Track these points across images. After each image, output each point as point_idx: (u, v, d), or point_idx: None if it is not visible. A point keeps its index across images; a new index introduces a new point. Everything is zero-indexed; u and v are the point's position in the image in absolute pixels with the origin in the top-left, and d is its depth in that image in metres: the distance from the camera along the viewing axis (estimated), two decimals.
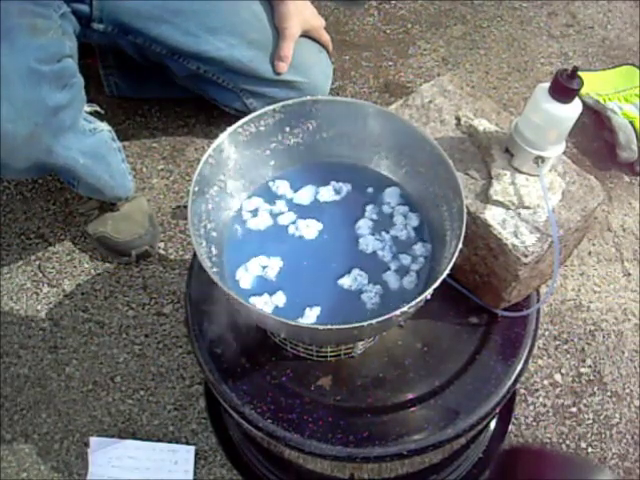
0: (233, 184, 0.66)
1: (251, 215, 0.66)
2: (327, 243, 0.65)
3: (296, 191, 0.68)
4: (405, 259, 0.64)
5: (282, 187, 0.68)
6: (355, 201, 0.67)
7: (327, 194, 0.68)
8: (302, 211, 0.67)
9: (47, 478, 0.90)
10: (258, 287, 0.62)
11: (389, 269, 0.63)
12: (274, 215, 0.66)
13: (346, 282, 0.62)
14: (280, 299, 0.61)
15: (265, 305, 0.61)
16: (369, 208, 0.67)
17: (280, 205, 0.67)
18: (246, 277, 0.62)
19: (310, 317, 0.60)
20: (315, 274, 0.63)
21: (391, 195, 0.67)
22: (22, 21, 0.77)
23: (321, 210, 0.67)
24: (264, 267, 0.63)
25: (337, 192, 0.68)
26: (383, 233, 0.65)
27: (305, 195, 0.67)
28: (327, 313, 0.60)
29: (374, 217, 0.66)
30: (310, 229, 0.65)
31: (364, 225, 0.65)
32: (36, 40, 0.78)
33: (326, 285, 0.62)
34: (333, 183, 0.68)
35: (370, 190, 0.68)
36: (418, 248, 0.64)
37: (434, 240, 0.65)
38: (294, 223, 0.66)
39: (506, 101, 1.31)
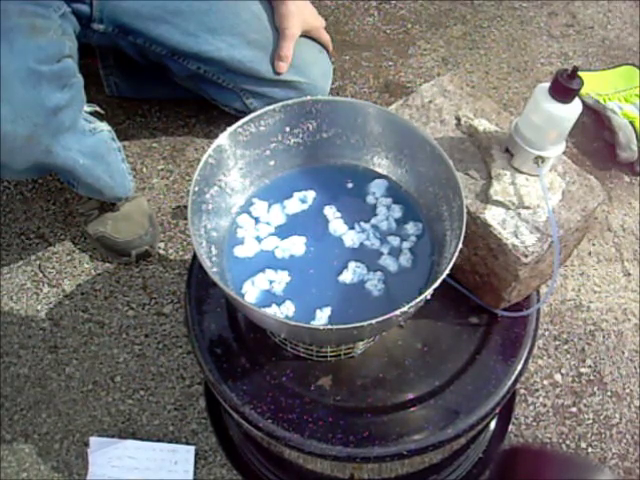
0: (233, 184, 0.66)
1: (239, 242, 0.66)
2: (317, 251, 0.65)
3: (269, 210, 0.67)
4: (394, 240, 0.65)
5: (259, 208, 0.67)
6: (321, 205, 0.68)
7: (294, 206, 0.68)
8: (281, 230, 0.66)
9: (47, 478, 0.90)
10: (265, 300, 0.62)
11: (382, 254, 0.64)
12: (259, 240, 0.66)
13: (347, 277, 0.63)
14: (289, 308, 0.61)
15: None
16: (327, 209, 0.67)
17: (262, 229, 0.66)
18: (252, 291, 0.62)
19: (322, 318, 0.60)
20: (317, 280, 0.63)
21: (377, 186, 0.68)
22: (22, 21, 0.77)
23: (297, 223, 0.67)
24: (271, 282, 0.63)
25: (303, 201, 0.68)
26: (362, 224, 0.66)
27: (276, 214, 0.67)
28: (338, 311, 0.61)
29: (337, 215, 0.67)
30: (297, 245, 0.65)
31: (336, 225, 0.66)
32: (35, 40, 0.78)
33: (330, 285, 0.62)
34: (296, 193, 0.68)
35: (350, 185, 0.69)
36: (410, 227, 0.66)
37: (434, 239, 0.65)
38: (278, 247, 0.65)
39: (506, 101, 1.31)
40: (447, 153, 0.60)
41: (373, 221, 0.66)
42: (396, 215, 0.67)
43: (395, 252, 0.65)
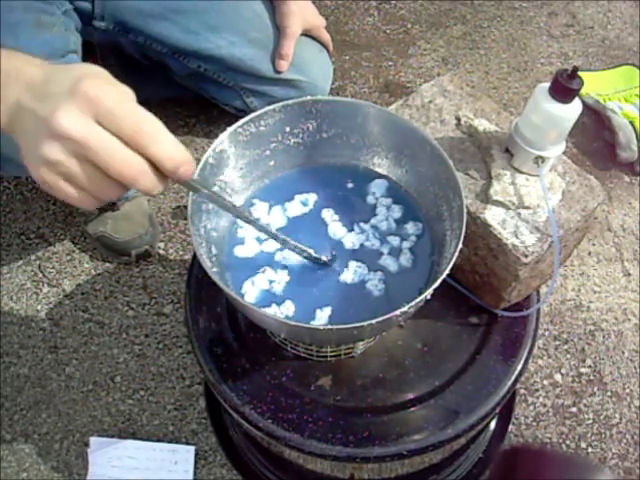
0: (233, 184, 0.66)
1: (239, 242, 0.65)
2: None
3: (270, 212, 0.67)
4: (394, 240, 0.65)
5: (259, 209, 0.67)
6: (320, 206, 0.67)
7: (295, 208, 0.67)
8: (281, 232, 0.65)
9: (47, 478, 0.90)
10: (265, 300, 0.62)
11: (383, 254, 0.64)
12: (260, 241, 0.66)
13: (348, 277, 0.63)
14: (289, 308, 0.61)
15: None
16: (325, 212, 0.67)
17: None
18: (252, 291, 0.62)
19: (322, 318, 0.60)
20: (317, 280, 0.63)
21: (377, 186, 0.68)
22: (27, 16, 0.78)
23: (297, 225, 0.66)
24: (271, 282, 0.63)
25: (304, 204, 0.68)
26: (362, 224, 0.66)
27: (277, 216, 0.67)
28: (338, 311, 0.61)
29: (336, 218, 0.66)
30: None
31: (335, 228, 0.66)
32: (41, 35, 0.78)
33: (330, 285, 0.62)
34: (297, 196, 0.68)
35: (351, 185, 0.69)
36: (410, 227, 0.66)
37: (434, 239, 0.65)
38: (281, 250, 0.65)
39: (506, 101, 1.31)
40: (447, 153, 0.60)
41: (373, 221, 0.66)
42: (396, 215, 0.67)
43: (395, 252, 0.65)
